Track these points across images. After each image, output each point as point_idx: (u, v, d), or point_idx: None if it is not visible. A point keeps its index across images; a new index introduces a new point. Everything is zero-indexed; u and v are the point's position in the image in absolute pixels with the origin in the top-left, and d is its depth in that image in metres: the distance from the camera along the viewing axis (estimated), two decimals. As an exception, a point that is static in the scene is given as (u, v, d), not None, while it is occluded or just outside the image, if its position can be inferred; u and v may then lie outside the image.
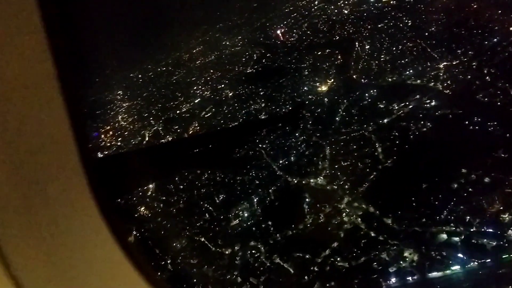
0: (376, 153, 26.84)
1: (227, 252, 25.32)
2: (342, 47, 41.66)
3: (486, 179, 21.95)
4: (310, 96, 36.24)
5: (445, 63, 31.35)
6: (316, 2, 54.91)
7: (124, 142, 43.23)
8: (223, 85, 45.53)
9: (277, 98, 38.42)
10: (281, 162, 29.99)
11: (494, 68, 28.34)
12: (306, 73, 40.18)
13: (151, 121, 45.32)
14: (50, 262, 3.23)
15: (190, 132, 39.42)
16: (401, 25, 39.72)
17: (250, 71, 46.34)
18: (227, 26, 63.06)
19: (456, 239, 20.36)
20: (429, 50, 34.10)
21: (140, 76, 60.37)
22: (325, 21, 49.24)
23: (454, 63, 30.90)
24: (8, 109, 2.86)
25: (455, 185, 22.46)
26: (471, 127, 25.22)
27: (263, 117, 36.90)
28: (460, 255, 19.86)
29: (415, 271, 19.99)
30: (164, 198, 31.96)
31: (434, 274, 19.72)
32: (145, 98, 52.96)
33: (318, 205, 25.35)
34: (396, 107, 29.68)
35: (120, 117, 49.21)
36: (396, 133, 27.35)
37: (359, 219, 23.44)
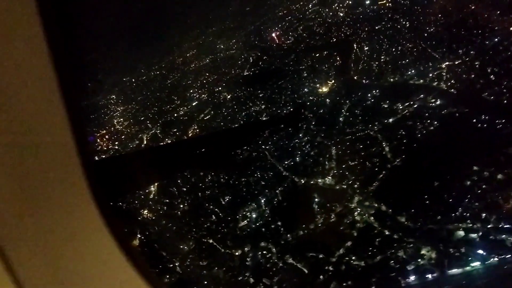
0: (383, 152, 26.73)
1: (237, 254, 24.94)
2: (340, 49, 41.64)
3: (500, 176, 21.97)
4: (311, 97, 36.07)
5: (447, 63, 31.44)
6: (310, 5, 54.89)
7: (121, 146, 42.60)
8: (220, 88, 45.19)
9: (277, 99, 38.19)
10: (286, 163, 29.73)
11: (498, 67, 28.48)
12: (305, 74, 40.04)
13: (148, 124, 44.76)
14: (51, 264, 3.23)
15: (190, 135, 38.92)
16: (398, 26, 39.82)
17: (247, 73, 46.09)
18: (221, 30, 62.83)
19: (474, 235, 20.27)
20: (429, 50, 34.22)
21: (133, 80, 59.71)
22: (321, 23, 49.26)
23: (456, 62, 31.00)
24: (8, 112, 2.86)
25: (468, 183, 22.43)
26: (479, 125, 25.25)
27: (264, 118, 36.56)
28: (479, 251, 19.75)
29: (434, 268, 19.84)
30: (167, 200, 31.46)
31: (454, 270, 19.58)
32: (139, 102, 52.37)
33: (328, 204, 25.11)
34: (401, 107, 29.64)
35: (115, 121, 48.54)
36: (403, 132, 27.29)
37: (372, 218, 23.24)
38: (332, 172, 26.98)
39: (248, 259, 24.30)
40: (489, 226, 20.31)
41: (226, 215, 27.70)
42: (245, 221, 26.46)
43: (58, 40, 2.85)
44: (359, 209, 23.94)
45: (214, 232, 26.85)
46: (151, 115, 46.74)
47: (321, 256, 22.54)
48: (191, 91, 48.04)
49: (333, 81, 36.60)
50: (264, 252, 24.28)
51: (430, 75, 31.28)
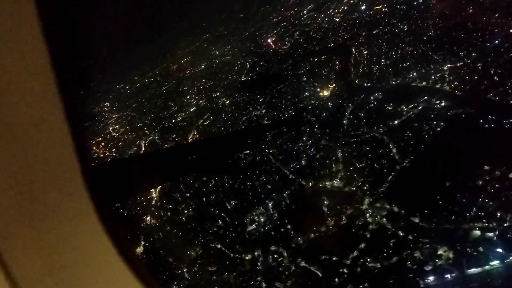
0: (391, 154, 26.61)
1: (247, 258, 24.54)
2: (339, 53, 41.73)
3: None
4: (312, 101, 36.00)
5: (449, 65, 31.57)
6: (305, 11, 55.24)
7: (119, 152, 42.11)
8: (218, 93, 44.98)
9: (277, 104, 38.06)
10: (292, 166, 29.50)
11: (501, 69, 28.65)
12: (305, 79, 40.01)
13: (146, 131, 44.34)
14: (49, 268, 3.22)
15: (190, 141, 38.57)
16: (396, 30, 40.05)
17: (244, 79, 45.96)
18: (214, 37, 62.91)
19: (491, 234, 20.16)
20: (430, 53, 34.39)
21: (127, 87, 59.39)
22: (317, 29, 49.46)
23: (458, 64, 31.13)
24: (7, 116, 2.86)
25: (480, 182, 22.36)
26: (487, 125, 25.29)
27: (265, 122, 36.36)
28: (498, 250, 19.62)
29: (452, 268, 19.65)
30: (170, 206, 31.03)
31: (473, 270, 19.40)
32: (135, 109, 52.01)
33: (338, 207, 24.86)
34: (405, 109, 29.64)
35: (110, 128, 48.06)
36: (410, 134, 27.22)
37: (384, 219, 23.04)
38: (340, 174, 26.76)
39: (259, 264, 23.91)
40: (505, 224, 20.23)
41: (233, 219, 27.31)
42: (253, 225, 26.09)
43: (58, 44, 2.86)
44: (370, 211, 23.71)
45: (222, 237, 26.43)
46: (148, 121, 46.30)
47: (334, 258, 22.24)
48: (188, 97, 47.75)
49: (333, 85, 36.55)
50: (275, 256, 23.91)
51: (433, 77, 31.32)
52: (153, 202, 32.03)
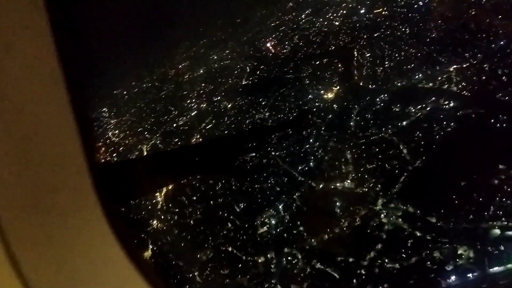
0: (402, 155, 26.46)
1: (260, 261, 24.16)
2: (341, 56, 41.64)
3: (528, 174, 21.85)
4: (317, 104, 35.81)
5: (454, 66, 31.60)
6: (303, 15, 55.22)
7: (120, 157, 41.55)
8: (219, 97, 44.67)
9: (281, 107, 37.82)
10: (300, 168, 29.22)
11: (508, 69, 28.74)
12: (307, 82, 39.84)
13: (147, 135, 43.89)
14: (59, 268, 3.23)
15: (193, 144, 38.20)
16: (398, 33, 40.11)
17: (245, 83, 45.73)
18: (211, 42, 62.70)
19: (511, 233, 19.99)
20: (434, 55, 34.43)
21: (125, 92, 58.89)
22: (317, 33, 49.41)
23: (464, 66, 31.17)
24: (15, 116, 2.87)
25: (496, 181, 22.27)
26: (498, 125, 25.26)
27: (270, 125, 36.10)
28: (519, 248, 19.48)
29: (474, 267, 19.45)
30: (177, 210, 30.61)
31: (496, 269, 19.20)
32: (134, 113, 51.52)
33: (351, 208, 24.61)
34: (413, 110, 29.56)
35: (110, 133, 47.54)
36: (420, 134, 27.13)
37: (400, 220, 22.82)
38: (351, 175, 26.53)
39: (272, 266, 23.52)
40: (525, 223, 20.08)
41: (243, 222, 26.95)
42: (265, 227, 25.73)
43: (66, 42, 2.89)
44: (385, 212, 23.46)
45: (233, 239, 26.04)
46: (148, 126, 45.85)
47: (351, 260, 21.95)
48: (189, 101, 47.41)
49: (337, 87, 36.42)
50: (289, 258, 23.57)
51: (439, 78, 31.33)
52: (159, 206, 31.56)
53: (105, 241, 3.34)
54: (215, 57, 56.82)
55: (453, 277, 19.62)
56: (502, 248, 19.66)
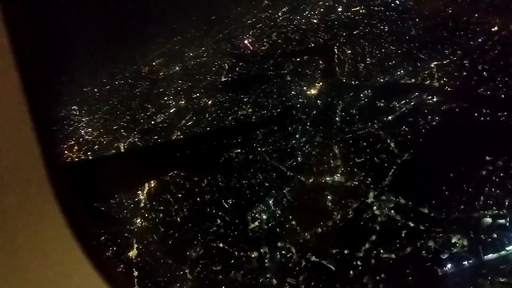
0: (390, 148, 26.88)
1: (253, 256, 23.99)
2: (321, 53, 41.95)
3: (514, 164, 22.53)
4: (300, 100, 35.93)
5: (435, 63, 32.34)
6: (280, 13, 55.36)
7: (94, 155, 40.44)
8: (198, 94, 44.14)
9: (263, 103, 37.71)
10: (288, 163, 29.22)
11: (488, 65, 29.59)
12: (289, 78, 39.90)
13: (123, 133, 42.83)
14: (12, 272, 3.09)
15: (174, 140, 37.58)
16: (377, 31, 40.74)
17: (225, 79, 45.41)
18: (186, 39, 61.94)
19: (502, 221, 20.59)
20: (414, 52, 35.15)
21: (95, 90, 57.43)
22: (295, 30, 49.66)
23: (445, 62, 31.93)
24: None
25: (484, 172, 22.88)
26: (482, 118, 25.99)
27: (253, 121, 35.92)
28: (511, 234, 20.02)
29: (469, 255, 19.90)
30: (162, 207, 30.00)
31: (490, 256, 19.69)
32: (107, 111, 50.26)
33: (342, 201, 24.80)
34: (397, 105, 30.09)
35: (82, 131, 46.19)
36: (406, 128, 27.62)
37: (393, 211, 23.15)
38: (340, 170, 26.73)
39: (266, 261, 23.38)
40: (516, 211, 20.68)
41: (233, 218, 26.71)
42: (256, 222, 25.59)
43: (23, 43, 2.79)
44: (377, 204, 23.78)
45: (223, 235, 25.75)
46: (124, 124, 44.78)
47: (346, 252, 22.09)
48: (166, 98, 46.65)
49: (320, 84, 36.66)
50: (283, 252, 23.51)
51: (421, 74, 32.01)
52: (142, 204, 30.85)
53: (64, 244, 3.14)
54: (191, 54, 56.14)
55: (449, 265, 20.03)
56: (495, 235, 20.21)
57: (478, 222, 20.85)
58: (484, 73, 29.23)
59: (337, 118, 31.35)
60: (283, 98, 37.04)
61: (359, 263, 21.48)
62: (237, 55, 49.62)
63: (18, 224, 3.00)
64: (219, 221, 26.87)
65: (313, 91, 36.24)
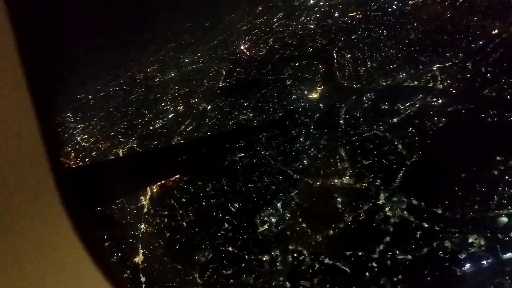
0: (398, 150, 26.75)
1: (264, 259, 23.60)
2: (319, 57, 41.94)
3: (526, 164, 22.51)
4: (302, 103, 35.79)
5: (438, 65, 32.41)
6: (275, 19, 55.50)
7: (93, 161, 39.82)
8: (196, 100, 43.82)
9: (265, 107, 37.50)
10: (294, 166, 28.96)
11: (491, 67, 29.71)
12: (289, 82, 39.78)
13: (121, 139, 42.27)
14: (19, 273, 3.05)
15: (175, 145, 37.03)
16: (375, 35, 40.88)
17: (223, 85, 45.18)
18: (181, 45, 61.83)
19: (518, 220, 20.48)
20: (415, 55, 35.24)
21: (90, 97, 56.90)
22: (291, 35, 49.73)
23: (447, 64, 32.02)
24: None
25: (496, 172, 22.82)
26: (489, 119, 25.99)
27: (255, 125, 35.63)
28: (530, 234, 19.93)
29: (487, 254, 19.72)
30: (166, 212, 29.51)
31: (509, 255, 19.53)
32: (103, 118, 49.71)
33: (353, 203, 24.53)
34: (402, 107, 30.01)
35: (78, 138, 45.54)
36: (413, 130, 27.53)
37: (405, 212, 22.93)
38: (348, 172, 26.52)
39: (278, 264, 22.98)
40: (531, 210, 20.60)
41: (241, 221, 26.32)
42: (265, 226, 25.21)
43: (29, 41, 2.79)
44: (389, 205, 23.51)
45: (232, 239, 25.33)
46: (122, 130, 44.24)
47: (360, 253, 21.78)
48: (163, 104, 46.25)
49: (321, 87, 36.56)
50: (295, 255, 23.15)
51: (424, 77, 32.02)
52: (145, 210, 30.36)
53: (70, 246, 3.12)
54: (186, 60, 55.91)
55: (467, 265, 19.82)
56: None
57: (494, 222, 20.71)
58: (488, 75, 29.34)
59: (341, 121, 31.18)
60: (284, 102, 36.85)
61: (374, 264, 21.16)
62: (234, 61, 49.46)
63: (24, 226, 2.97)
64: (226, 225, 26.45)
65: (314, 95, 36.11)
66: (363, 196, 24.96)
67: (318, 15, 50.70)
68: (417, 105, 29.91)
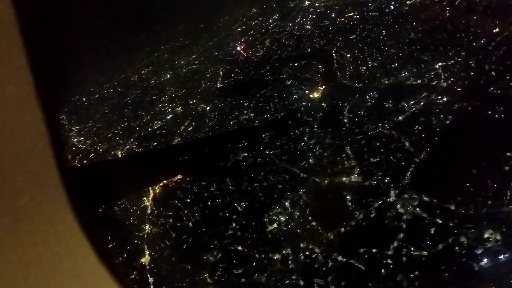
0: (405, 148, 26.64)
1: (275, 258, 23.24)
2: (318, 58, 41.84)
3: (537, 159, 22.54)
4: (304, 103, 35.61)
5: (440, 64, 32.44)
6: (271, 20, 55.41)
7: (91, 162, 39.19)
8: (194, 100, 43.45)
9: (265, 107, 37.24)
10: (300, 165, 28.71)
11: (495, 65, 29.81)
12: (289, 83, 39.62)
13: (119, 140, 41.71)
14: (25, 270, 3.08)
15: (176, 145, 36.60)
16: (374, 35, 40.91)
17: (221, 85, 44.87)
18: (175, 47, 61.53)
19: (533, 214, 20.45)
20: (416, 54, 35.29)
21: (84, 99, 56.21)
22: (288, 36, 49.60)
23: (450, 63, 32.05)
24: None
25: (507, 168, 22.77)
26: (496, 116, 26.02)
27: (257, 125, 35.35)
28: (546, 227, 19.90)
29: (504, 249, 19.60)
30: (171, 213, 29.07)
31: (528, 248, 19.50)
32: (98, 120, 49.13)
33: (363, 200, 24.33)
34: (406, 105, 29.96)
35: (74, 140, 44.85)
36: (420, 128, 27.46)
37: (418, 209, 22.75)
38: (356, 169, 26.33)
39: (289, 262, 22.64)
40: (545, 204, 20.58)
41: (248, 221, 25.96)
42: (274, 224, 24.87)
43: (35, 38, 2.83)
44: (400, 202, 23.32)
45: (241, 239, 24.96)
46: (119, 131, 43.70)
47: (374, 250, 21.52)
48: (160, 105, 45.82)
49: (323, 87, 36.41)
50: (307, 253, 22.83)
51: (427, 75, 32.00)
52: (149, 211, 29.88)
53: (74, 240, 3.13)
54: (181, 61, 55.54)
55: (485, 260, 19.69)
56: (528, 229, 20.03)
57: (509, 217, 20.62)
58: (492, 72, 29.41)
59: (345, 120, 31.02)
60: (285, 102, 36.63)
61: (389, 261, 20.94)
62: (231, 62, 49.24)
63: (31, 224, 2.97)
64: (234, 224, 26.09)
65: (316, 94, 35.94)
66: (373, 194, 24.77)
67: (314, 16, 50.64)
68: (421, 103, 29.85)
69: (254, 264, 23.16)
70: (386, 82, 33.77)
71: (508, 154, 23.35)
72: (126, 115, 46.91)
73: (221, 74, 46.63)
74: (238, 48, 51.63)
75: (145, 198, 31.07)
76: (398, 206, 23.20)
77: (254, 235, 24.78)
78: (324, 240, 23.15)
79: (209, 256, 24.35)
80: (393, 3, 43.99)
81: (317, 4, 52.64)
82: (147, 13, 70.26)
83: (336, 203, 24.97)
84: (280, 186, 27.56)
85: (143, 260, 26.03)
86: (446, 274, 19.36)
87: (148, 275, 24.90)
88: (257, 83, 40.96)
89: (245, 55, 49.74)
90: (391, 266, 20.62)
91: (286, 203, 26.03)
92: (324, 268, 21.78)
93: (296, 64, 42.10)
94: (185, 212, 28.38)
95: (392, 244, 21.55)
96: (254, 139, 32.47)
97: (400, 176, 25.01)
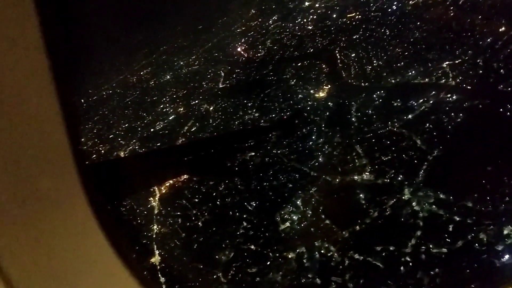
0: (417, 145, 26.41)
1: (290, 256, 22.86)
2: (321, 57, 41.64)
3: (553, 155, 22.39)
4: (309, 102, 35.36)
5: (447, 63, 32.33)
6: (270, 21, 55.09)
7: (93, 163, 38.48)
8: (197, 101, 43.07)
9: (270, 107, 36.95)
10: (310, 164, 28.38)
11: (503, 63, 29.73)
12: (292, 82, 39.36)
13: (121, 141, 41.20)
14: (40, 257, 3.11)
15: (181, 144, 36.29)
16: (378, 35, 40.78)
17: (223, 86, 44.51)
18: (173, 48, 61.08)
19: (553, 210, 20.26)
20: (422, 53, 35.19)
21: (82, 101, 55.44)
22: (290, 36, 49.37)
23: (457, 62, 31.96)
24: (2, 113, 2.81)
25: (523, 164, 22.58)
26: (508, 113, 25.86)
27: (263, 125, 35.05)
28: None
29: (526, 245, 19.40)
30: (179, 213, 28.57)
31: (550, 245, 19.30)
32: (97, 121, 48.50)
33: (377, 198, 24.00)
34: (415, 104, 29.79)
35: (74, 141, 43.82)
36: (431, 126, 27.25)
37: (434, 207, 22.47)
38: (368, 168, 26.02)
39: (305, 261, 22.25)
40: None
41: (260, 220, 25.54)
42: (287, 223, 24.48)
43: (53, 30, 2.91)
44: (415, 200, 23.02)
45: (253, 238, 24.54)
46: (121, 132, 43.17)
47: (392, 248, 21.17)
48: (162, 106, 45.39)
49: (328, 86, 36.19)
50: (322, 251, 22.44)
51: (434, 74, 31.90)
52: (156, 211, 29.33)
53: (90, 231, 3.20)
54: (181, 63, 55.13)
55: (506, 256, 19.43)
56: (549, 225, 19.82)
57: (528, 213, 20.44)
58: (501, 70, 29.32)
59: (353, 119, 30.79)
60: (290, 102, 36.39)
61: (408, 259, 20.61)
62: (232, 62, 48.92)
63: (49, 214, 3.03)
64: (245, 224, 25.68)
65: (321, 94, 35.70)
66: (386, 192, 24.47)
67: (315, 17, 50.42)
68: (431, 102, 29.68)
69: (268, 263, 22.74)
70: (393, 81, 33.57)
71: (523, 151, 23.12)
72: (127, 116, 46.45)
73: (223, 74, 46.29)
74: (239, 49, 51.34)
75: (151, 198, 30.58)
76: (414, 203, 22.92)
77: (266, 234, 24.37)
78: (339, 238, 22.78)
79: (222, 256, 23.88)
80: (395, 3, 43.92)
81: (317, 5, 52.42)
82: (143, 15, 69.69)
83: (349, 202, 24.63)
84: (291, 185, 27.21)
85: (153, 260, 25.53)
86: (468, 271, 19.07)
87: (160, 275, 24.39)
88: (260, 83, 40.66)
89: (246, 55, 49.43)
90: (410, 264, 20.31)
91: (298, 202, 25.68)
92: (340, 266, 21.41)
93: (299, 64, 41.90)
94: (194, 211, 27.90)
95: (410, 242, 21.25)
96: (261, 139, 32.21)
97: (413, 173, 24.74)
